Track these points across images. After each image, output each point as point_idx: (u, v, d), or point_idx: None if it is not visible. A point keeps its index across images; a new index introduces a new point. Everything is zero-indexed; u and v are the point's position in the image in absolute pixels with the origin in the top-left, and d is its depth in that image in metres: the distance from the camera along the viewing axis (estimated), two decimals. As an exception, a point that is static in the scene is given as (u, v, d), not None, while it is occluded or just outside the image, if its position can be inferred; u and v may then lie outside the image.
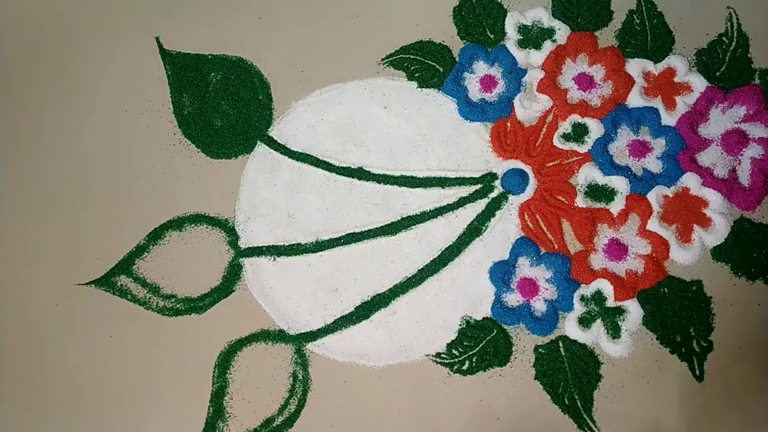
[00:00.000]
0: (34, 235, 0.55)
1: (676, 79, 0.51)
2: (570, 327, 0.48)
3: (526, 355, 0.48)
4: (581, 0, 0.54)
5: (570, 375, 0.47)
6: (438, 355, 0.48)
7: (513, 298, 0.49)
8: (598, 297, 0.48)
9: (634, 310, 0.47)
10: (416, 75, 0.55)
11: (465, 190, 0.52)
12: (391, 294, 0.50)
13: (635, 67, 0.52)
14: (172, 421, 0.49)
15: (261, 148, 0.55)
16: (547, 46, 0.53)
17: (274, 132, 0.55)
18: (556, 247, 0.49)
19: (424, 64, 0.55)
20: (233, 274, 0.52)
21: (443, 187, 0.52)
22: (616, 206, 0.49)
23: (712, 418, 0.45)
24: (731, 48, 0.52)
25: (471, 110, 0.53)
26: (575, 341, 0.47)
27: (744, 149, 0.49)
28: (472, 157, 0.52)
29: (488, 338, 0.48)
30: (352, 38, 0.56)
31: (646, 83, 0.52)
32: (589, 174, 0.50)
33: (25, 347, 0.52)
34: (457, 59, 0.54)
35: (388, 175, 0.53)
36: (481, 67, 0.54)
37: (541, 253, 0.49)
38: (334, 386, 0.49)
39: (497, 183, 0.51)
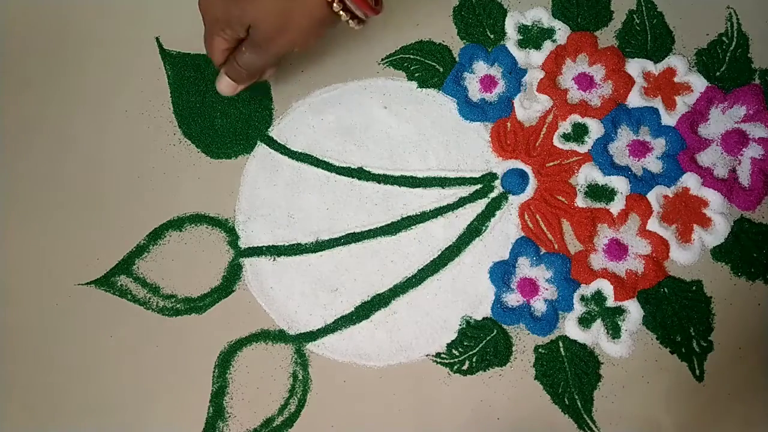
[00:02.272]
0: (34, 235, 0.55)
1: (676, 79, 0.51)
2: (570, 327, 0.48)
3: (526, 355, 0.48)
4: (581, 0, 0.54)
5: (570, 375, 0.47)
6: (438, 355, 0.48)
7: (513, 298, 0.49)
8: (598, 297, 0.48)
9: (634, 310, 0.47)
10: (416, 75, 0.55)
11: (465, 190, 0.52)
12: (391, 294, 0.50)
13: (635, 67, 0.52)
14: (172, 421, 0.49)
15: (261, 148, 0.55)
16: (547, 46, 0.53)
17: (274, 132, 0.55)
18: (556, 247, 0.49)
19: (424, 64, 0.55)
20: (233, 274, 0.52)
21: (443, 187, 0.52)
22: (616, 206, 0.49)
23: (712, 418, 0.45)
24: (731, 48, 0.52)
25: (471, 110, 0.53)
26: (575, 341, 0.47)
27: (744, 149, 0.49)
28: (472, 157, 0.52)
29: (488, 338, 0.48)
30: (352, 38, 0.56)
31: (646, 83, 0.52)
32: (589, 174, 0.50)
33: (25, 347, 0.52)
34: (457, 59, 0.54)
35: (388, 175, 0.53)
36: (481, 67, 0.54)
37: (541, 253, 0.49)
38: (334, 386, 0.49)
39: (497, 183, 0.51)
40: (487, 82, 0.54)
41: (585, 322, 0.47)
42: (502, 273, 0.49)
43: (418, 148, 0.53)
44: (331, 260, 0.51)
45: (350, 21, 0.45)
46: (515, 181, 0.51)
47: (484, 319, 0.49)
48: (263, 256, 0.52)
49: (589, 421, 0.46)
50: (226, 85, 0.50)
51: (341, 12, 0.43)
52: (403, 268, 0.51)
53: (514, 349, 0.48)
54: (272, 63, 0.48)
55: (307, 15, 0.43)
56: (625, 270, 0.48)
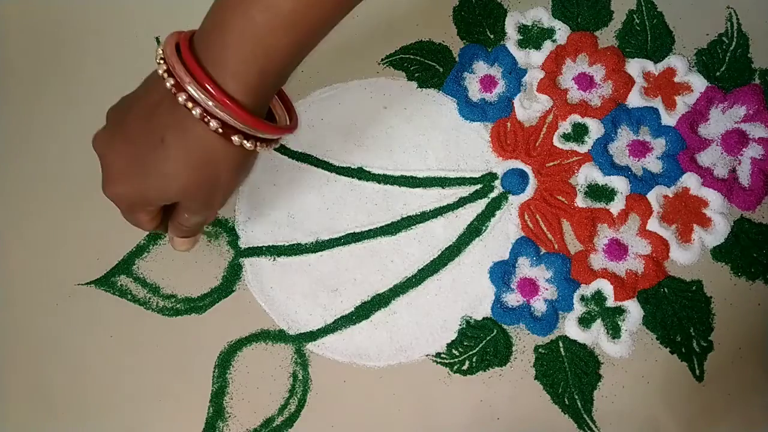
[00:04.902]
0: (34, 235, 0.55)
1: (676, 79, 0.51)
2: (570, 327, 0.48)
3: (526, 355, 0.48)
4: (581, 0, 0.54)
5: (570, 375, 0.47)
6: (438, 355, 0.48)
7: (513, 298, 0.49)
8: (598, 297, 0.48)
9: (634, 310, 0.47)
10: (416, 75, 0.55)
11: (465, 190, 0.52)
12: (391, 294, 0.50)
13: (635, 67, 0.52)
14: (172, 421, 0.49)
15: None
16: (547, 46, 0.53)
17: (274, 132, 0.55)
18: (556, 247, 0.49)
19: (424, 64, 0.55)
20: (233, 274, 0.52)
21: (443, 187, 0.52)
22: (616, 206, 0.49)
23: (712, 418, 0.45)
24: (731, 48, 0.52)
25: (471, 110, 0.53)
26: (575, 341, 0.47)
27: (744, 149, 0.49)
28: (472, 157, 0.52)
29: (488, 338, 0.48)
30: (352, 38, 0.56)
31: (646, 83, 0.52)
32: (589, 174, 0.50)
33: (25, 347, 0.52)
34: (457, 59, 0.54)
35: (388, 175, 0.53)
36: (481, 67, 0.54)
37: (541, 253, 0.49)
38: (334, 386, 0.49)
39: (497, 183, 0.51)
40: (487, 82, 0.54)
41: (585, 322, 0.47)
42: (502, 273, 0.49)
43: (418, 148, 0.53)
44: (331, 260, 0.51)
45: (264, 148, 0.39)
46: (515, 181, 0.51)
47: (484, 319, 0.49)
48: (263, 256, 0.52)
49: (589, 421, 0.46)
50: (181, 243, 0.46)
51: (258, 147, 0.38)
52: (403, 268, 0.51)
53: (514, 349, 0.48)
54: (211, 215, 0.45)
55: (231, 167, 0.38)
56: (625, 270, 0.48)
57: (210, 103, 0.35)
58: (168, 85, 0.36)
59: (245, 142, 0.37)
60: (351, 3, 0.37)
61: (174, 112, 0.36)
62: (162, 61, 0.37)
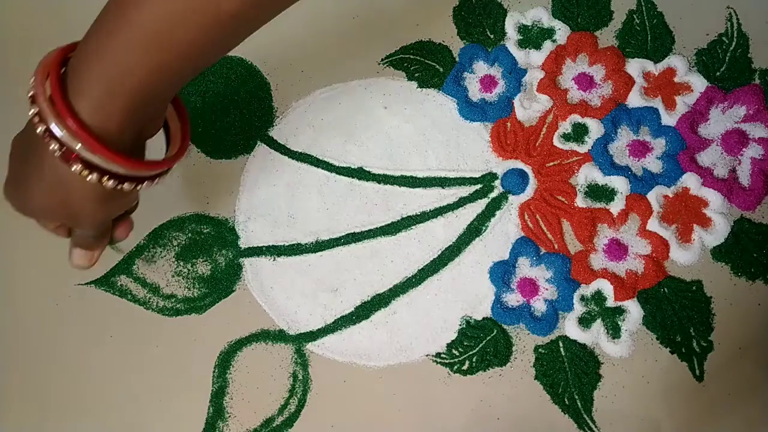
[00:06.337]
0: (34, 234, 0.54)
1: (676, 79, 0.51)
2: (570, 327, 0.48)
3: (526, 355, 0.48)
4: (581, 0, 0.54)
5: (570, 375, 0.47)
6: (438, 355, 0.48)
7: (513, 298, 0.49)
8: (598, 297, 0.48)
9: (634, 310, 0.47)
10: (416, 75, 0.55)
11: (465, 190, 0.52)
12: (391, 294, 0.50)
13: (635, 67, 0.52)
14: (172, 421, 0.49)
15: (261, 148, 0.55)
16: (547, 46, 0.53)
17: (274, 132, 0.55)
18: (556, 247, 0.49)
19: (424, 64, 0.55)
20: (233, 274, 0.52)
21: (443, 187, 0.52)
22: (616, 206, 0.49)
23: (712, 418, 0.45)
24: (731, 48, 0.52)
25: (471, 110, 0.53)
26: (575, 341, 0.47)
27: (744, 149, 0.49)
28: (472, 157, 0.52)
29: (488, 338, 0.48)
30: (352, 38, 0.56)
31: (646, 83, 0.52)
32: (589, 174, 0.50)
33: (25, 347, 0.52)
34: (457, 59, 0.54)
35: (388, 175, 0.53)
36: (481, 67, 0.54)
37: (541, 253, 0.49)
38: (334, 386, 0.49)
39: (497, 183, 0.51)
40: (487, 82, 0.54)
41: (585, 322, 0.47)
42: (502, 273, 0.49)
43: (418, 148, 0.53)
44: (331, 260, 0.51)
45: (140, 186, 0.37)
46: (515, 181, 0.51)
47: (484, 319, 0.49)
48: (263, 256, 0.52)
49: (589, 421, 0.46)
50: (79, 256, 0.44)
51: (122, 186, 0.36)
52: (403, 268, 0.51)
53: (514, 349, 0.48)
54: (101, 233, 0.43)
55: (87, 198, 0.36)
56: (625, 270, 0.48)
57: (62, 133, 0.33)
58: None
59: (97, 176, 0.34)
60: (223, 28, 0.32)
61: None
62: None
